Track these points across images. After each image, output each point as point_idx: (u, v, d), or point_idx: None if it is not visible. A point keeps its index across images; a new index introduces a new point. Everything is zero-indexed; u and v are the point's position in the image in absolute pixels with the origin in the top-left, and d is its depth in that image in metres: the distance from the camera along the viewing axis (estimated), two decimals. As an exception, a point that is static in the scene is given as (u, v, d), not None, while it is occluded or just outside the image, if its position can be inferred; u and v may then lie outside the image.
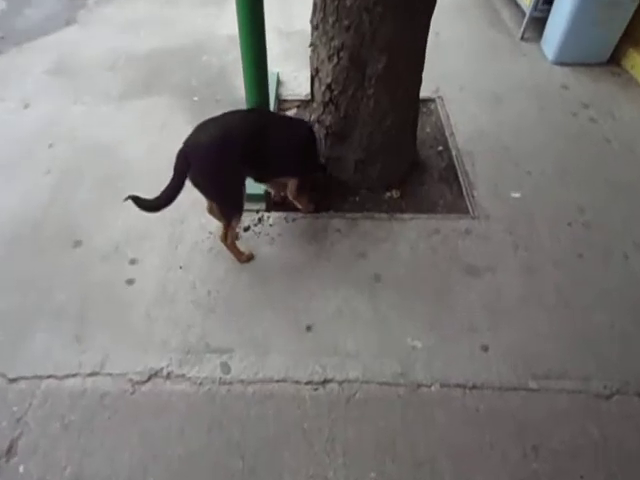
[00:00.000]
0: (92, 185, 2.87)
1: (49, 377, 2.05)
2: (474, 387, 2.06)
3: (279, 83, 3.64)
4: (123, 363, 2.10)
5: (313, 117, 2.78)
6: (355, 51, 2.28)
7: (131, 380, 2.05)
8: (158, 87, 3.62)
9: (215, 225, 2.60)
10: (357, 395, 2.03)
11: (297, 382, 2.06)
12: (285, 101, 3.52)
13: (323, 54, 2.40)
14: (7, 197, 2.78)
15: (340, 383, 2.06)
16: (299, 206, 2.62)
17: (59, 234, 2.60)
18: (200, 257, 2.49)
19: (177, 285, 2.38)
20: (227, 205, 2.22)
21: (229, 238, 2.31)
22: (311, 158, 2.44)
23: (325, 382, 2.06)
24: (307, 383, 2.05)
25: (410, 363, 2.13)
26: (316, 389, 2.04)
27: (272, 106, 3.33)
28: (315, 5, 2.33)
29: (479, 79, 3.74)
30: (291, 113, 3.44)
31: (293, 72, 3.74)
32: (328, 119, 2.63)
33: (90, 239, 2.58)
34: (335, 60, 2.35)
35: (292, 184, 2.47)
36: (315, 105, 2.71)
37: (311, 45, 2.50)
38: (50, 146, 3.12)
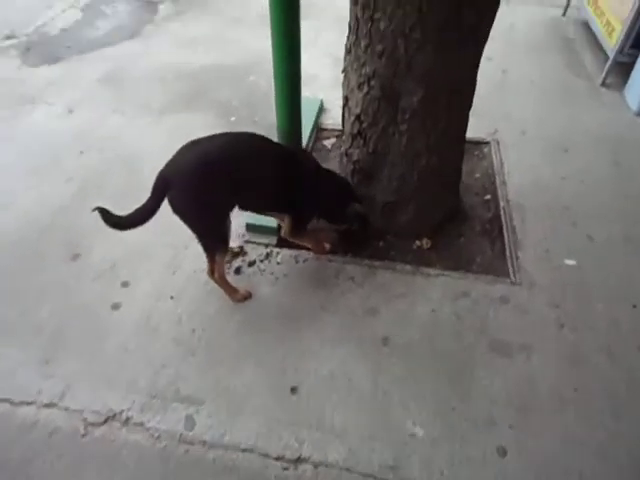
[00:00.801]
0: (109, 197, 2.74)
1: (5, 401, 1.88)
2: (481, 501, 1.65)
3: (322, 110, 3.43)
4: (83, 398, 1.89)
5: (342, 149, 2.52)
6: (387, 80, 2.00)
7: (85, 420, 1.83)
8: (199, 104, 3.53)
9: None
10: (333, 485, 1.68)
11: (266, 455, 1.74)
12: (325, 130, 3.30)
13: (353, 81, 2.15)
14: (25, 200, 2.73)
15: (316, 466, 1.72)
16: (308, 246, 2.35)
17: (61, 244, 2.49)
18: (194, 289, 2.27)
19: (162, 317, 2.16)
20: (209, 238, 1.99)
21: (216, 273, 2.07)
22: (312, 198, 2.15)
23: (298, 461, 1.73)
24: (277, 459, 1.73)
25: (405, 455, 1.75)
26: (286, 468, 1.71)
27: (309, 133, 3.13)
28: (349, 27, 2.10)
29: (546, 124, 3.32)
30: (329, 143, 3.21)
31: (339, 100, 3.51)
32: (356, 153, 2.36)
33: (89, 253, 2.44)
34: (365, 89, 2.09)
35: (287, 222, 2.20)
36: (344, 137, 2.45)
37: (343, 71, 2.26)
38: (81, 153, 3.08)
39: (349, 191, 2.30)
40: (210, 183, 1.83)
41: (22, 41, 4.31)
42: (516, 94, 3.60)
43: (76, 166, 2.98)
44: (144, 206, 1.92)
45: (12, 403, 1.88)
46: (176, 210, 1.86)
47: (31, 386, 1.93)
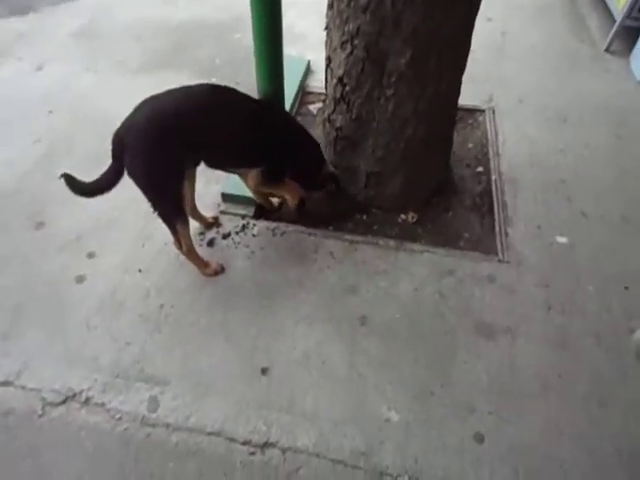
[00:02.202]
0: (79, 160, 2.59)
1: (-42, 379, 1.78)
2: (454, 490, 1.58)
3: (308, 72, 3.22)
4: (42, 376, 1.79)
5: (325, 115, 2.35)
6: (372, 39, 1.82)
7: (43, 400, 1.73)
8: (179, 62, 3.31)
9: (195, 227, 2.26)
10: (301, 471, 1.60)
11: (232, 439, 1.66)
12: (310, 93, 3.10)
13: (336, 40, 1.96)
14: (-12, 162, 2.57)
15: (284, 451, 1.64)
16: (285, 195, 2.20)
17: (26, 211, 2.35)
18: (165, 262, 2.15)
19: (129, 291, 2.05)
20: (165, 206, 1.83)
21: (184, 246, 1.94)
22: (283, 151, 1.99)
23: (266, 446, 1.65)
24: (244, 443, 1.65)
25: (378, 441, 1.67)
26: (252, 453, 1.63)
27: (293, 96, 2.94)
28: (332, -22, 1.89)
29: (545, 92, 3.13)
30: (314, 107, 3.02)
31: (327, 61, 3.30)
32: (339, 119, 2.19)
33: (55, 221, 2.30)
34: (349, 48, 1.90)
35: (250, 178, 2.04)
36: (327, 101, 2.27)
37: (326, 28, 2.06)
38: (50, 113, 2.89)
39: (320, 151, 2.16)
40: (164, 141, 1.68)
41: (-9, -10, 4.02)
42: (515, 59, 3.39)
43: (45, 126, 2.80)
44: (107, 170, 1.80)
45: (-34, 381, 1.78)
46: (129, 172, 1.72)
47: (-14, 363, 1.82)
